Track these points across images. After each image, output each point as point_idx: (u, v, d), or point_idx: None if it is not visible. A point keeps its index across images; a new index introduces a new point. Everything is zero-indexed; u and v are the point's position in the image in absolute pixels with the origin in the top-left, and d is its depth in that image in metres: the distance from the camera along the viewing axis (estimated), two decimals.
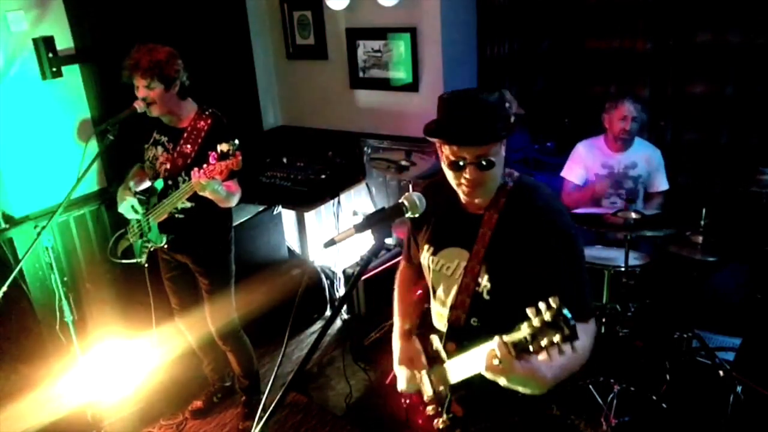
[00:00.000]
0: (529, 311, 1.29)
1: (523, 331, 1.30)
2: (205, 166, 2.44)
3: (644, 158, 3.46)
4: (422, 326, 1.94)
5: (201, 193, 2.56)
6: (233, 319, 3.10)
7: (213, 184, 2.50)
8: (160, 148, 2.82)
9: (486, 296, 1.68)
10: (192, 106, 2.80)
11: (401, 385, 1.91)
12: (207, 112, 2.78)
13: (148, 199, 2.82)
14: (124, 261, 3.02)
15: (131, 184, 2.89)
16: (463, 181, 1.64)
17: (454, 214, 1.77)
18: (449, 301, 1.76)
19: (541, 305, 1.27)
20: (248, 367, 3.22)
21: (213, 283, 2.98)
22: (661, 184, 3.50)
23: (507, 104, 1.52)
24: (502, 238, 1.67)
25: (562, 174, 3.62)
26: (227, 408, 3.38)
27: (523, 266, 1.63)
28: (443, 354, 1.73)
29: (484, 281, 1.68)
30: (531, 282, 1.60)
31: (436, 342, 1.78)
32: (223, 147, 2.42)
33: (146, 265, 2.95)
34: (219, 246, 2.97)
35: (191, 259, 2.94)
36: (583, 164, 3.56)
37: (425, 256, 1.85)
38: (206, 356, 3.30)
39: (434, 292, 1.86)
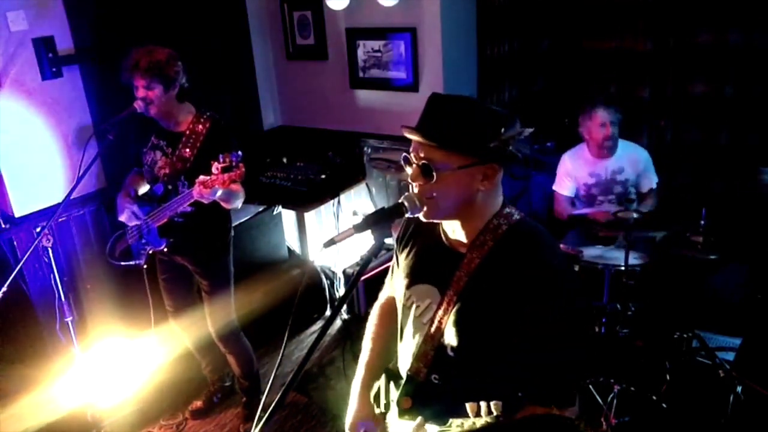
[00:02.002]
0: (470, 408, 1.15)
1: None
2: (207, 178, 2.45)
3: (630, 161, 3.45)
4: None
5: (206, 202, 2.57)
6: (233, 321, 3.10)
7: (215, 192, 2.51)
8: (158, 153, 2.80)
9: (450, 353, 1.45)
10: (190, 110, 2.79)
11: None
12: (205, 116, 2.77)
13: (149, 204, 2.81)
14: (122, 263, 3.01)
15: (130, 190, 2.87)
16: (409, 185, 1.43)
17: (436, 246, 1.54)
18: (413, 348, 1.54)
19: (483, 407, 1.14)
20: (248, 369, 3.22)
21: (213, 285, 2.98)
22: (651, 182, 3.48)
23: (503, 129, 1.40)
24: (478, 289, 1.42)
25: (554, 187, 3.64)
26: (227, 408, 3.38)
27: (497, 329, 1.40)
28: (395, 408, 1.49)
29: (451, 335, 1.44)
30: (505, 349, 1.40)
31: (392, 393, 1.57)
32: (227, 159, 2.41)
33: (145, 267, 2.95)
34: (218, 248, 2.97)
35: (191, 261, 2.94)
36: (571, 176, 3.57)
37: (400, 287, 1.63)
38: (204, 357, 3.30)
39: (401, 333, 1.63)
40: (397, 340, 1.70)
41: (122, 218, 2.86)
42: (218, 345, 3.13)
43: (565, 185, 3.60)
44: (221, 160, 2.42)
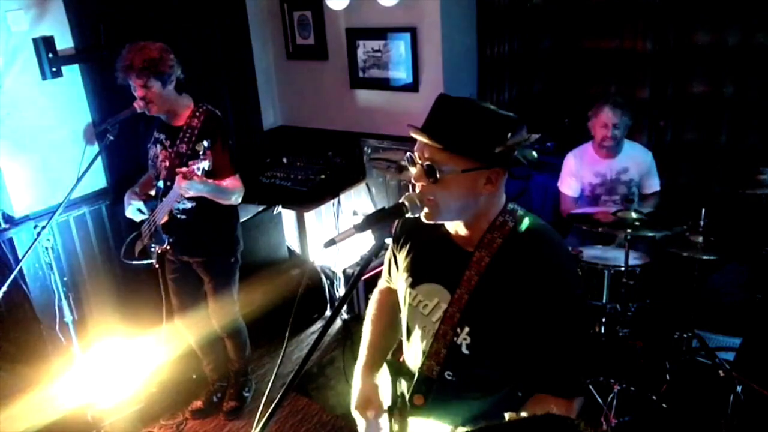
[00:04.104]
0: (508, 417, 1.17)
1: None
2: (185, 169, 2.48)
3: (635, 162, 3.45)
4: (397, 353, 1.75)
5: (186, 196, 2.57)
6: (236, 314, 3.15)
7: (193, 185, 2.52)
8: (159, 147, 2.82)
9: (465, 350, 1.47)
10: (188, 103, 2.80)
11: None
12: (201, 109, 2.77)
13: (154, 201, 2.82)
14: (139, 262, 3.00)
15: (137, 188, 2.90)
16: (411, 184, 1.45)
17: (441, 245, 1.54)
18: (424, 347, 1.55)
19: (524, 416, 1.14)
20: (243, 352, 3.29)
21: (215, 282, 3.01)
22: (653, 185, 3.48)
23: (509, 134, 1.36)
24: (490, 287, 1.43)
25: (559, 185, 3.63)
26: None
27: (510, 325, 1.42)
28: (408, 406, 1.55)
29: (464, 334, 1.46)
30: (517, 343, 1.43)
31: (403, 387, 1.60)
32: (197, 147, 2.46)
33: (157, 266, 2.96)
34: (222, 244, 2.98)
35: (195, 259, 2.96)
36: (576, 176, 3.56)
37: (402, 286, 1.63)
38: (206, 356, 3.31)
39: (408, 332, 1.63)
40: (397, 323, 1.70)
41: (128, 214, 2.89)
42: (220, 334, 3.17)
43: (569, 185, 3.59)
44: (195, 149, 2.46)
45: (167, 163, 2.77)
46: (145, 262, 2.98)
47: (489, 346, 1.47)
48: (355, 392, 1.72)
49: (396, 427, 1.62)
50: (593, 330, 3.13)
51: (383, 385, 1.70)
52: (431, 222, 1.47)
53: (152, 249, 2.91)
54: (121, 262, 3.07)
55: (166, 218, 2.78)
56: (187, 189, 2.54)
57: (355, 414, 1.70)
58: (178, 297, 3.09)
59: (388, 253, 1.75)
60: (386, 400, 1.67)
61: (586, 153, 3.52)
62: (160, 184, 2.78)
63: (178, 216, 2.81)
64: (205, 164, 2.49)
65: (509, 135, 1.38)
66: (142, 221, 2.92)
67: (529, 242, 1.45)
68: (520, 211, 1.50)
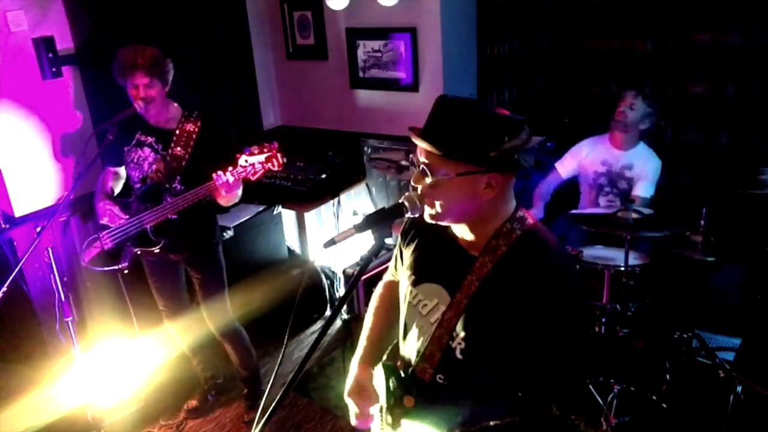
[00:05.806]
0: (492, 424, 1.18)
1: None
2: (233, 169, 2.48)
3: (641, 161, 3.45)
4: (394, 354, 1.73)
5: (223, 195, 2.59)
6: (229, 312, 3.13)
7: (238, 185, 2.56)
8: (147, 149, 2.77)
9: (459, 355, 1.46)
10: (176, 108, 2.79)
11: (352, 420, 1.71)
12: (194, 115, 2.75)
13: (132, 203, 2.76)
14: (100, 269, 2.90)
15: (108, 190, 2.84)
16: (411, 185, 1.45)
17: (447, 246, 1.52)
18: (419, 347, 1.54)
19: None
20: (247, 359, 3.24)
21: (206, 277, 3.00)
22: (644, 190, 3.41)
23: (506, 137, 1.34)
24: (490, 294, 1.42)
25: (556, 164, 3.65)
26: (226, 406, 3.39)
27: (506, 334, 1.41)
28: (399, 407, 1.57)
29: (459, 338, 1.45)
30: (512, 352, 1.42)
31: (393, 387, 1.60)
32: (265, 148, 2.54)
33: (126, 271, 2.88)
34: (210, 239, 2.98)
35: (185, 257, 2.95)
36: (579, 160, 3.58)
37: (404, 283, 1.63)
38: (196, 356, 3.30)
39: (405, 331, 1.62)
40: (398, 318, 1.69)
41: (104, 221, 2.79)
42: (217, 337, 3.14)
43: (567, 165, 3.63)
44: (249, 151, 2.48)
45: (161, 167, 2.72)
46: (110, 268, 2.86)
47: (483, 353, 1.45)
48: (349, 379, 1.72)
49: (389, 428, 1.61)
50: (593, 330, 3.12)
51: (377, 386, 1.69)
52: (434, 222, 1.46)
53: (127, 252, 2.82)
54: (98, 269, 2.97)
55: (163, 219, 2.73)
56: (232, 188, 2.56)
57: (348, 400, 1.70)
58: (164, 298, 3.07)
59: (396, 248, 1.75)
60: (380, 400, 1.67)
61: (602, 141, 3.55)
62: (147, 184, 2.73)
63: (170, 216, 2.78)
64: (275, 166, 2.60)
65: (506, 138, 1.36)
66: (101, 226, 2.83)
67: (533, 254, 1.42)
68: (529, 219, 1.47)
